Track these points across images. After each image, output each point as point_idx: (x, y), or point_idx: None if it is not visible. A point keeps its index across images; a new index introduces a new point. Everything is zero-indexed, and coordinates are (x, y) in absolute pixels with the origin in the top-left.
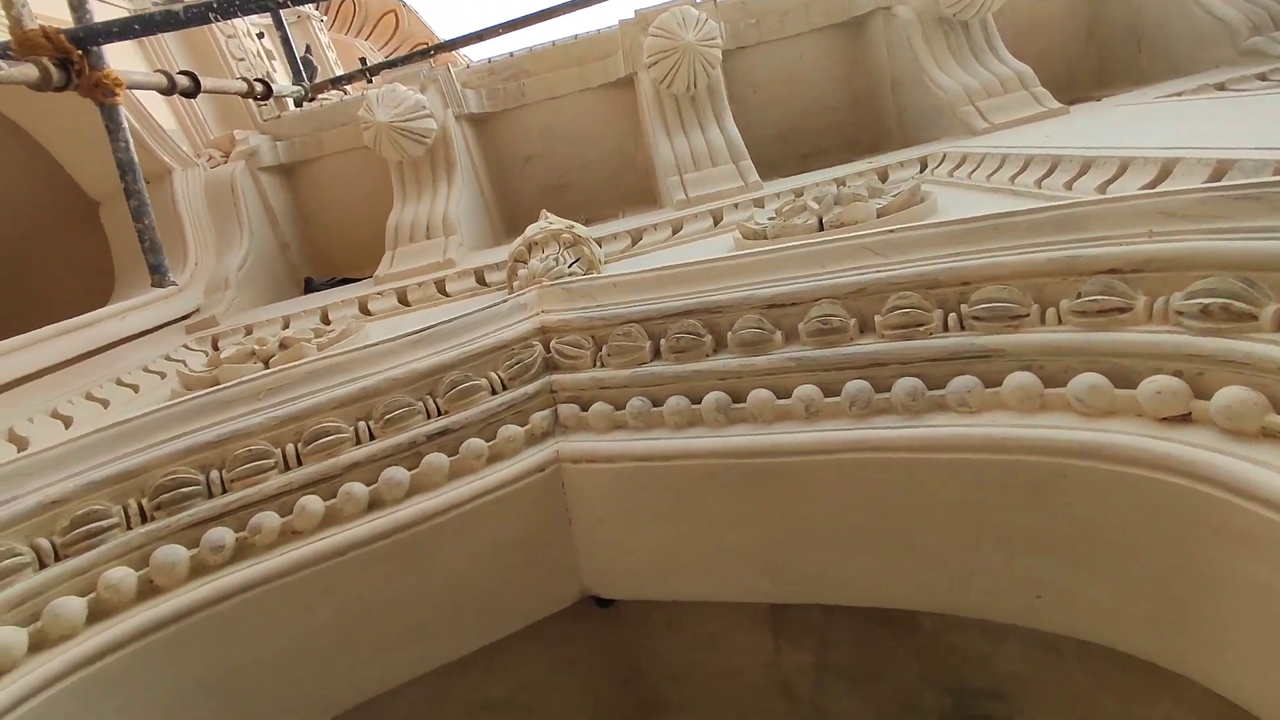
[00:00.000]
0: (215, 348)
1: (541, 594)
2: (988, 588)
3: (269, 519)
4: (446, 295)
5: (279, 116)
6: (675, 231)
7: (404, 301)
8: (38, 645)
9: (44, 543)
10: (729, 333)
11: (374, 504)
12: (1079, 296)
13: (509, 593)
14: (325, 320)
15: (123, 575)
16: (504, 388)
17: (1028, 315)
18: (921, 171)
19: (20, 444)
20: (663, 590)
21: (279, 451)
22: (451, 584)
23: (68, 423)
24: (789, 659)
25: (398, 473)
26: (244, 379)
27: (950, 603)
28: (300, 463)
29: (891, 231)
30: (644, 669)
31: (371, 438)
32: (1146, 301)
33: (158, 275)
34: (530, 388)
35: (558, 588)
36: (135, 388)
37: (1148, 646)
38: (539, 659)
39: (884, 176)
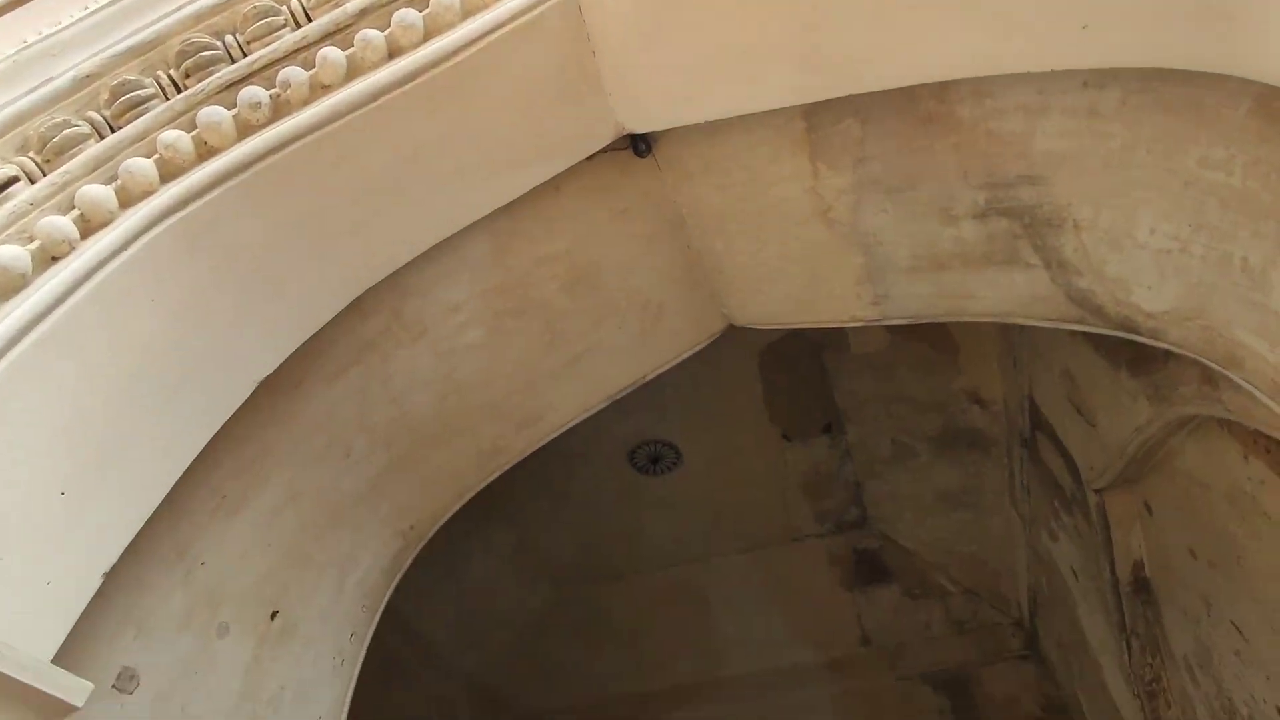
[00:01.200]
0: None
1: (578, 132)
2: (1031, 31)
3: (296, 74)
4: None
5: None
6: None
7: None
8: (124, 201)
9: (95, 115)
10: None
11: (393, 52)
12: None
13: (547, 132)
14: None
15: (177, 136)
16: None
17: None
18: None
19: None
20: (695, 112)
21: (285, 9)
22: (488, 124)
23: None
24: (827, 182)
25: (409, 14)
26: None
27: (990, 57)
28: (309, 18)
29: None
30: (688, 215)
31: None
32: None
33: None
34: None
35: (593, 124)
36: None
37: (1194, 51)
38: (590, 212)
39: None
